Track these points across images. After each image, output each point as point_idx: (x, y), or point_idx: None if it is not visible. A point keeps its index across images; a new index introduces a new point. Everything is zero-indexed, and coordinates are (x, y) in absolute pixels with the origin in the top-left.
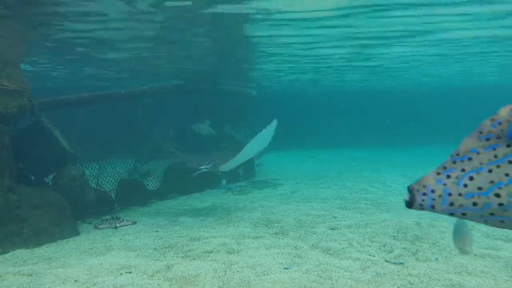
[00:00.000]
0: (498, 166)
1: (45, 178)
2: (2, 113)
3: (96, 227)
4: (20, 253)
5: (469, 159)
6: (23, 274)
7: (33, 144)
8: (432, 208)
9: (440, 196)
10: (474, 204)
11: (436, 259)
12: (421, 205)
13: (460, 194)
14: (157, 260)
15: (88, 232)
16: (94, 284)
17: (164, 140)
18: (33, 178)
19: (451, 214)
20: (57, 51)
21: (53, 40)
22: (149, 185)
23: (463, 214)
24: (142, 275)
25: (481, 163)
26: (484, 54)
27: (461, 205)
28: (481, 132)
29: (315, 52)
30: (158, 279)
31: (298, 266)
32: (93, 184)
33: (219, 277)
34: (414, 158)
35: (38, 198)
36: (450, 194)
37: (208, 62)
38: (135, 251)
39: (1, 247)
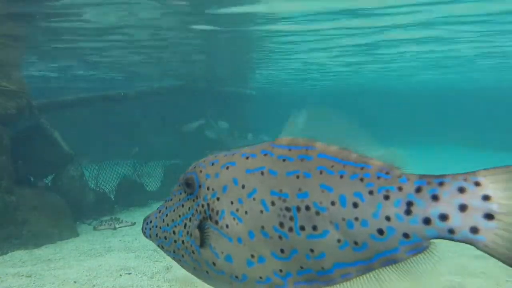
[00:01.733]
0: (177, 207)
1: (45, 179)
2: (1, 113)
3: (95, 228)
4: (19, 254)
5: (171, 199)
6: (22, 275)
7: (32, 145)
8: (150, 237)
9: (152, 227)
10: (165, 238)
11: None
12: (144, 233)
13: (160, 227)
14: (156, 261)
15: (87, 233)
16: (94, 285)
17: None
18: (32, 179)
19: (159, 246)
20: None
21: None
22: (149, 186)
23: (162, 246)
24: (141, 277)
25: (173, 203)
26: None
27: (159, 237)
28: (179, 179)
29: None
30: (158, 280)
31: None
32: (92, 185)
33: None
34: (414, 159)
35: (37, 200)
36: (155, 226)
37: (209, 63)
38: (135, 252)
39: (0, 249)
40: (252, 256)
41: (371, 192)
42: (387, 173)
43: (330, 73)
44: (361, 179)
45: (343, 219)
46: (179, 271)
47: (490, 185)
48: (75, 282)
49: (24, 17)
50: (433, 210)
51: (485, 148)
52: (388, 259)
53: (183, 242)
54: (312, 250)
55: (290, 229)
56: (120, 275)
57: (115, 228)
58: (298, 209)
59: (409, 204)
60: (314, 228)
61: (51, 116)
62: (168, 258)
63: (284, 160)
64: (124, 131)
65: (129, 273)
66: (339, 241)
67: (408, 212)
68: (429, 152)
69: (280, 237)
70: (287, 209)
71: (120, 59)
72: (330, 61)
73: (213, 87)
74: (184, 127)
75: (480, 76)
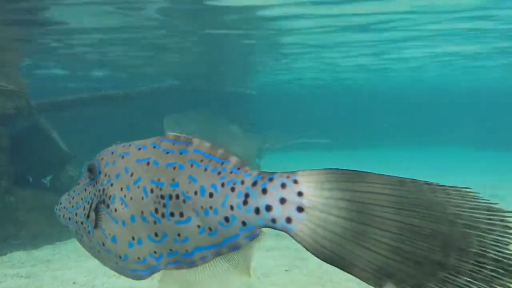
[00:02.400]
0: (81, 191)
1: (43, 180)
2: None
3: None
4: (18, 255)
5: (79, 183)
6: (21, 276)
7: (31, 145)
8: (59, 217)
9: (61, 208)
10: (69, 219)
11: None
12: (55, 213)
13: (66, 209)
14: None
15: None
16: (93, 286)
17: None
18: (31, 179)
19: (66, 226)
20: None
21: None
22: None
23: (68, 227)
24: None
25: (79, 187)
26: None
27: (65, 218)
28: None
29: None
30: (157, 281)
31: (299, 268)
32: None
33: None
34: (414, 160)
35: (36, 200)
36: (64, 208)
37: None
38: None
39: None
40: (133, 238)
41: (223, 184)
42: (238, 168)
43: (331, 72)
44: (219, 173)
45: (202, 207)
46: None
47: (304, 183)
48: (74, 283)
49: (24, 22)
50: (262, 201)
51: (487, 148)
52: (232, 244)
53: (82, 223)
54: (179, 235)
55: (163, 215)
56: (120, 276)
57: None
58: (170, 197)
59: (247, 195)
60: (181, 214)
61: (50, 116)
62: None
63: (167, 153)
64: (123, 131)
65: None
66: (198, 227)
67: (245, 202)
68: (431, 152)
69: (154, 222)
70: (162, 196)
71: (120, 58)
72: (331, 60)
73: (212, 87)
74: None
75: (483, 75)
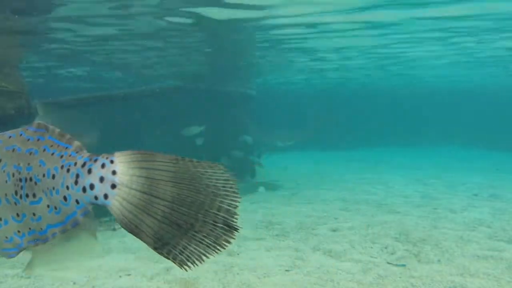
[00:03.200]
0: None
1: None
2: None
3: None
4: (17, 256)
5: None
6: (22, 277)
7: None
8: None
9: None
10: None
11: (439, 260)
12: None
13: None
14: (156, 262)
15: None
16: (93, 286)
17: None
18: None
19: None
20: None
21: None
22: None
23: None
24: (141, 278)
25: None
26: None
27: None
28: None
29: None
30: (158, 281)
31: (299, 268)
32: None
33: (219, 279)
34: (415, 159)
35: None
36: None
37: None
38: (134, 253)
39: None
40: (0, 219)
41: (62, 167)
42: (77, 152)
43: (332, 72)
44: (61, 156)
45: (48, 188)
46: (179, 272)
47: (118, 163)
48: (74, 283)
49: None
50: (87, 180)
51: (487, 148)
52: (73, 221)
53: None
54: (34, 214)
55: (21, 196)
56: (120, 276)
57: (114, 229)
58: (26, 180)
59: (77, 176)
60: (34, 195)
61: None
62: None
63: (28, 140)
64: (124, 131)
65: (129, 274)
66: (48, 206)
67: (76, 182)
68: (432, 152)
69: (15, 203)
70: (20, 179)
71: (119, 56)
72: (332, 59)
73: (212, 87)
74: (184, 130)
75: (487, 75)
